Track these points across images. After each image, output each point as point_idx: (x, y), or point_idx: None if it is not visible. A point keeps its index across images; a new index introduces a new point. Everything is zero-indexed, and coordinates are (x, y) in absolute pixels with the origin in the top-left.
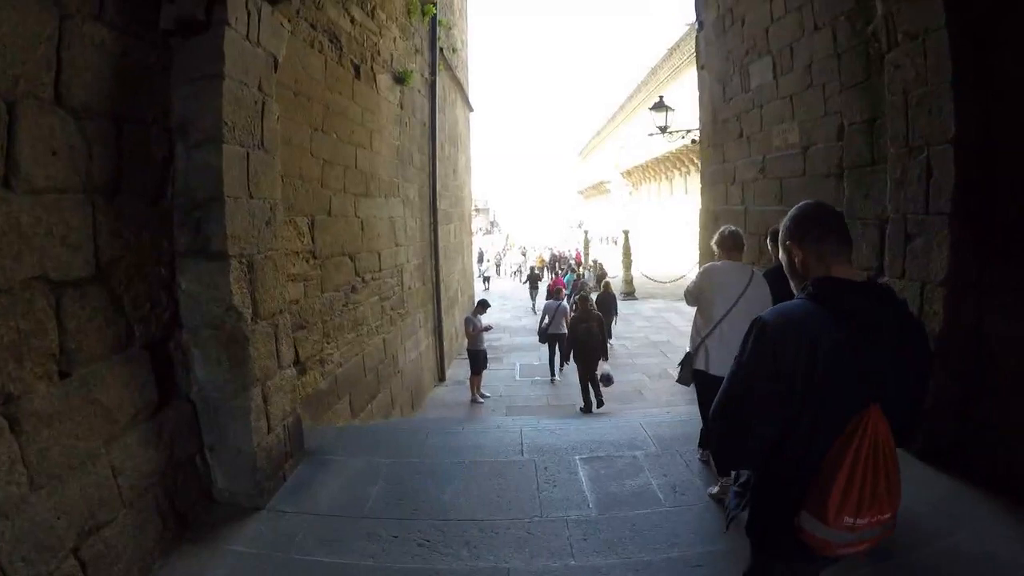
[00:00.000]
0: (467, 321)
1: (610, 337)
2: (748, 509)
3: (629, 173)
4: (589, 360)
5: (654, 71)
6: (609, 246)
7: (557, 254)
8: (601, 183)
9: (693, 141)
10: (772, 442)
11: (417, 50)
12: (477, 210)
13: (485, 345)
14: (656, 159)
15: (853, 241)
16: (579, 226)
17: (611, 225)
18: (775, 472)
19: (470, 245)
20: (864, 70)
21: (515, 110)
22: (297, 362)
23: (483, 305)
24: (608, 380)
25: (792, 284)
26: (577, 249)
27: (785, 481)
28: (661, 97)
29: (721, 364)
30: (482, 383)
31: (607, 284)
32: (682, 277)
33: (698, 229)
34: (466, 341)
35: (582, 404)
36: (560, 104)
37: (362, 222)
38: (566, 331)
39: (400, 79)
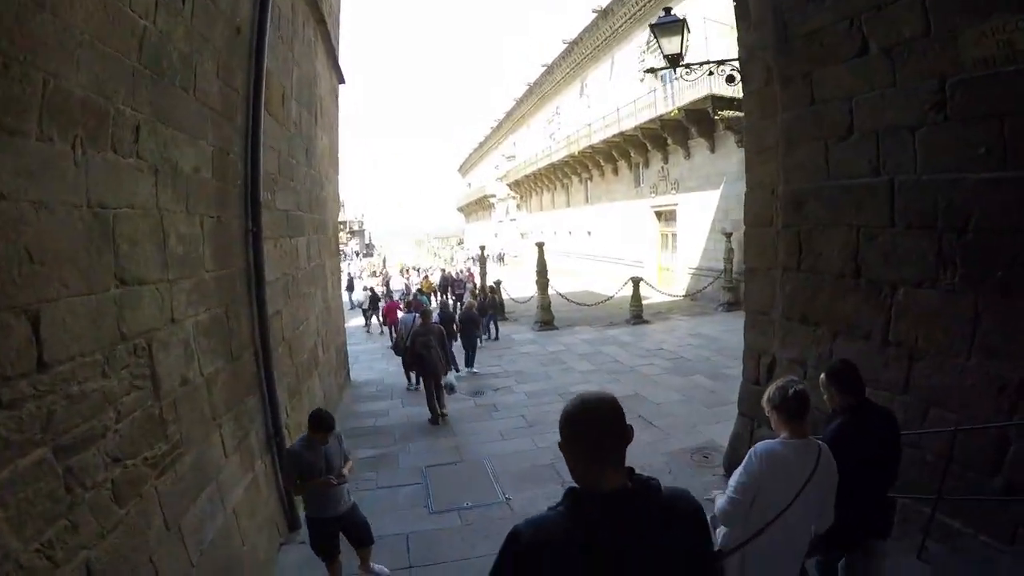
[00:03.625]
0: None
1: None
2: None
3: (517, 184)
4: (431, 371)
5: (550, 69)
6: (495, 264)
7: (450, 276)
8: (484, 197)
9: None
10: None
11: None
12: (352, 232)
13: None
14: (553, 165)
15: None
16: (459, 243)
17: (497, 241)
18: None
19: (336, 273)
20: None
21: (392, 131)
22: None
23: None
24: (451, 389)
25: None
26: (470, 270)
27: None
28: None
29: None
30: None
31: (470, 305)
32: (608, 299)
33: (729, 225)
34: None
35: (430, 416)
36: (438, 123)
37: None
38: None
39: None
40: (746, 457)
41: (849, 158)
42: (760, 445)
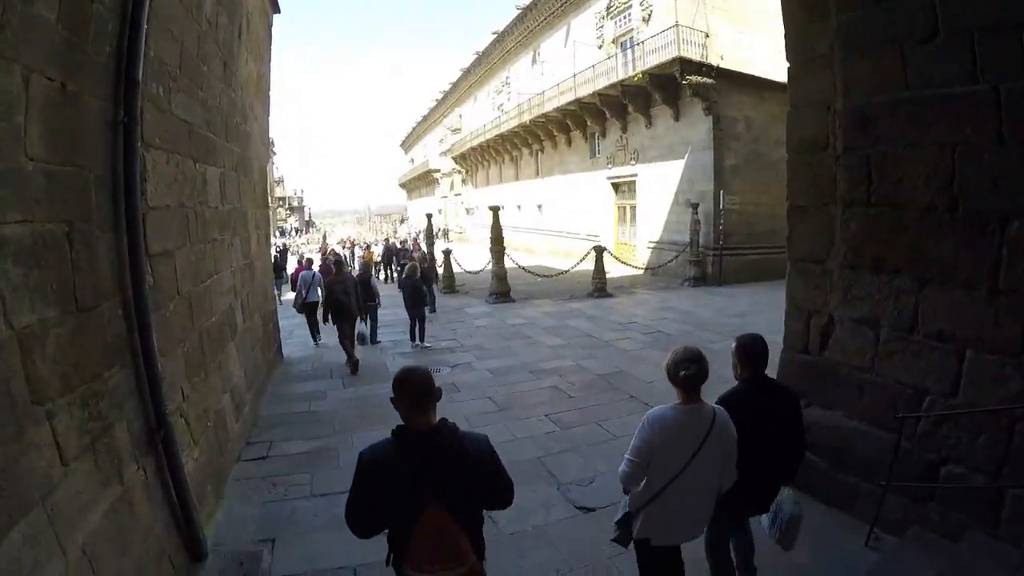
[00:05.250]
0: None
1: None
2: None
3: (464, 157)
4: (348, 320)
5: (500, 37)
6: (440, 239)
7: (394, 246)
8: (427, 172)
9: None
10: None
11: None
12: (291, 208)
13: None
14: (502, 136)
15: None
16: (402, 222)
17: (441, 217)
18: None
19: (264, 228)
20: None
21: (333, 107)
22: None
23: None
24: (362, 339)
25: None
26: (416, 239)
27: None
28: None
29: (667, 533)
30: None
31: (413, 268)
32: (565, 272)
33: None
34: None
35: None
36: (382, 97)
37: None
38: (319, 298)
39: None
40: (640, 423)
41: (934, 64)
42: (652, 411)
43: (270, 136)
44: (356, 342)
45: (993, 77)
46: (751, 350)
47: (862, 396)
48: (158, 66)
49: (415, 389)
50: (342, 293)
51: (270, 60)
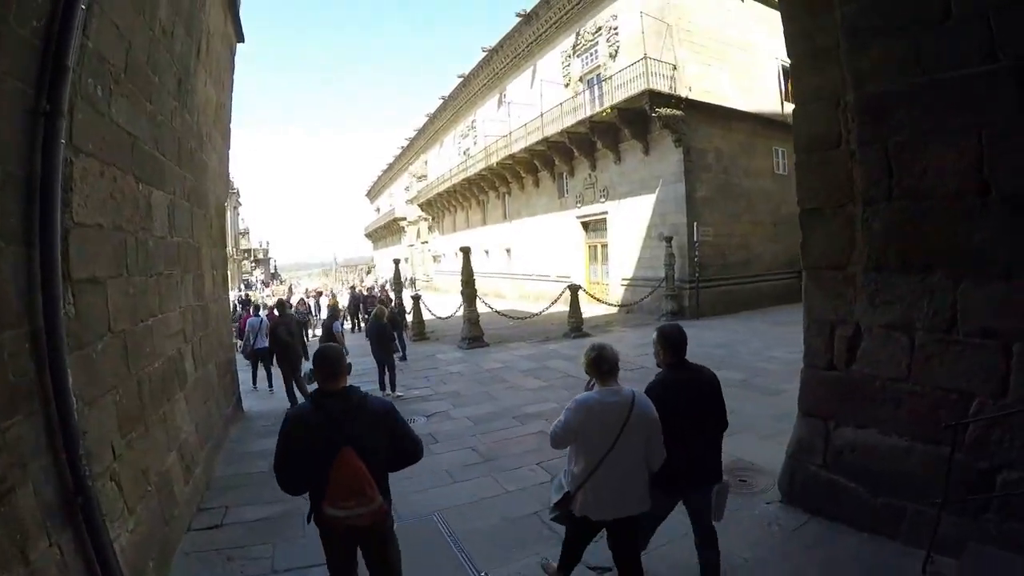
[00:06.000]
0: None
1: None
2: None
3: (430, 204)
4: (292, 360)
5: (466, 80)
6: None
7: (360, 294)
8: (393, 221)
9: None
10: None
11: None
12: (256, 261)
13: None
14: (468, 180)
15: None
16: (368, 272)
17: (407, 266)
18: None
19: (221, 269)
20: None
21: (299, 162)
22: None
23: None
24: (309, 378)
25: None
26: (384, 286)
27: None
28: None
29: (603, 508)
30: None
31: (380, 311)
32: (536, 315)
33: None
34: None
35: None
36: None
37: None
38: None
39: None
40: (567, 406)
41: (950, 46)
42: (577, 397)
43: (235, 185)
44: (308, 383)
45: (1013, 53)
46: (673, 338)
47: (899, 409)
48: (98, 62)
49: (330, 363)
50: (286, 334)
51: (232, 89)
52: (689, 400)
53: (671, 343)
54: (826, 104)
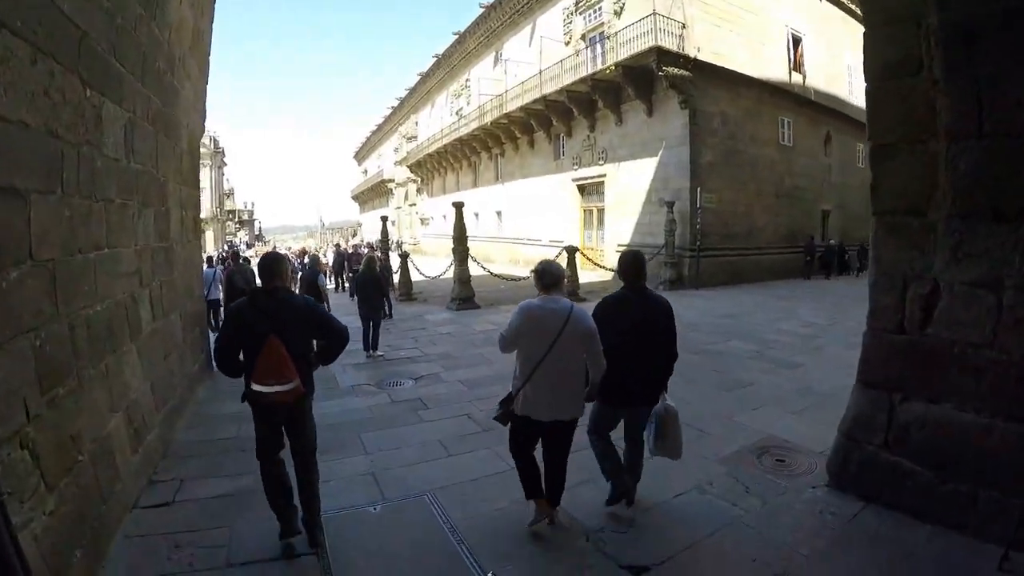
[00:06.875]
0: None
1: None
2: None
3: (419, 165)
4: None
5: (462, 38)
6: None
7: (345, 251)
8: (381, 183)
9: None
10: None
11: None
12: (240, 222)
13: None
14: (460, 140)
15: None
16: (353, 235)
17: (394, 229)
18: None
19: (193, 211)
20: None
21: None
22: None
23: None
24: None
25: None
26: (371, 244)
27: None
28: None
29: (540, 409)
30: None
31: (371, 259)
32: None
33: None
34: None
35: None
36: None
37: None
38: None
39: None
40: (513, 311)
41: None
42: (521, 304)
43: (221, 144)
44: None
45: None
46: (624, 263)
47: (981, 380)
48: None
49: (266, 267)
50: (242, 283)
51: (212, 18)
52: (633, 322)
53: (622, 267)
54: (904, 27)
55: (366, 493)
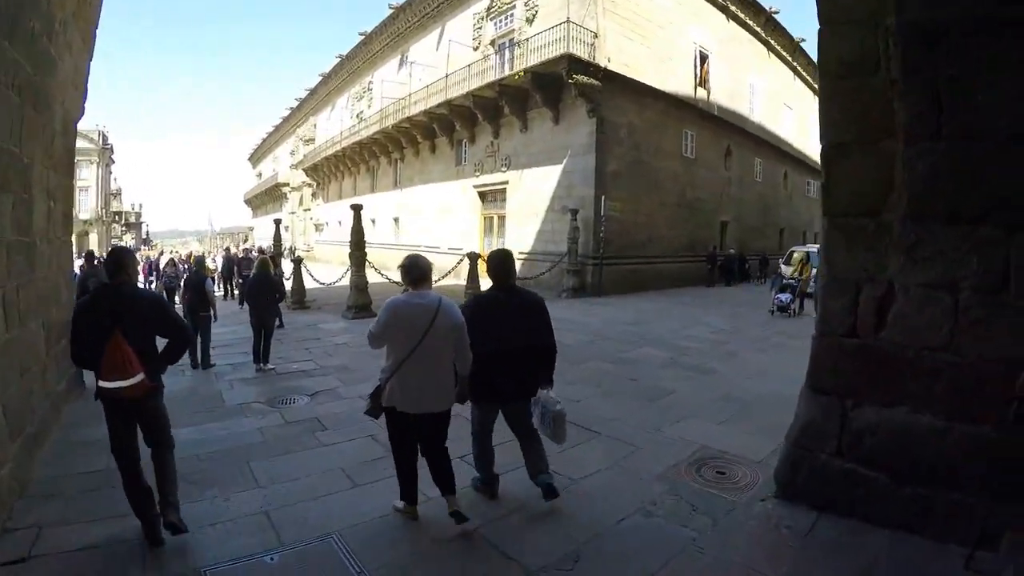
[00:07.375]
0: None
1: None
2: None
3: (315, 169)
4: None
5: (367, 39)
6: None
7: (235, 256)
8: (276, 187)
9: None
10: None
11: None
12: (127, 225)
13: None
14: (360, 143)
15: None
16: (245, 240)
17: (287, 235)
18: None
19: (65, 204)
20: None
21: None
22: None
23: None
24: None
25: None
26: (262, 248)
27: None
28: None
29: (408, 402)
30: None
31: (264, 261)
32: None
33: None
34: None
35: None
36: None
37: None
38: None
39: None
40: (379, 310)
41: None
42: (388, 300)
43: (109, 140)
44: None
45: None
46: (495, 264)
47: (936, 383)
48: None
49: (112, 262)
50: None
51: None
52: (502, 319)
53: (491, 268)
54: (860, 26)
55: (260, 538)
